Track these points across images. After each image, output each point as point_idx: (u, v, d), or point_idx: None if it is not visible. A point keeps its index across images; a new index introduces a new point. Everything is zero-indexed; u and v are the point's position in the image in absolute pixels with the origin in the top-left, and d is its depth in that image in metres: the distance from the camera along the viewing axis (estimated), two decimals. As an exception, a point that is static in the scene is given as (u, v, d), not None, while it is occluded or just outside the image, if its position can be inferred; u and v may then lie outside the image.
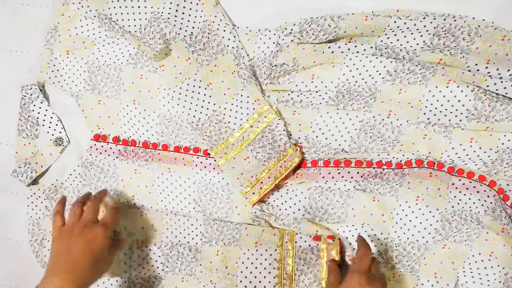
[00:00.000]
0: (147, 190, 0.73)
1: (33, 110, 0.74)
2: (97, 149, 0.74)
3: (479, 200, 0.63)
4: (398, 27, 0.63)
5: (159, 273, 0.72)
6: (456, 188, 0.64)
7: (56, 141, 0.75)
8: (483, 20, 0.64)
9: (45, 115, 0.74)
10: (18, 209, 0.78)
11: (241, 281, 0.67)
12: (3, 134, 0.77)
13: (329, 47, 0.66)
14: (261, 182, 0.67)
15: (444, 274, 0.63)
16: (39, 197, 0.75)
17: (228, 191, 0.70)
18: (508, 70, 0.62)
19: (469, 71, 0.63)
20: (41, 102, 0.74)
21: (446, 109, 0.63)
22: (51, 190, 0.75)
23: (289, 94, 0.69)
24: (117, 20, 0.70)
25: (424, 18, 0.64)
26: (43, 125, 0.74)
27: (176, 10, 0.68)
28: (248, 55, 0.69)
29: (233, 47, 0.69)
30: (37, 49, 0.76)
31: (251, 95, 0.68)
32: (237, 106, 0.69)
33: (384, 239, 0.66)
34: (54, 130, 0.75)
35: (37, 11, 0.76)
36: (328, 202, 0.67)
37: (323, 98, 0.67)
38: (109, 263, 0.65)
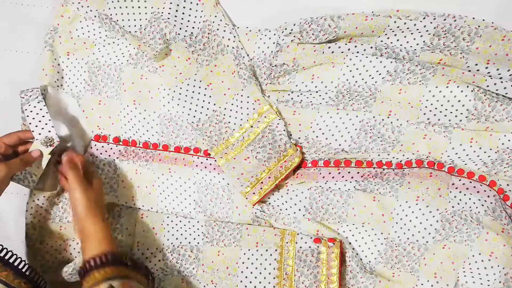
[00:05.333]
0: (147, 190, 0.73)
1: (26, 109, 0.70)
2: (97, 149, 0.74)
3: (479, 200, 0.63)
4: (398, 27, 0.63)
5: (158, 275, 0.72)
6: (456, 188, 0.64)
7: (44, 141, 0.69)
8: (483, 20, 0.64)
9: (37, 114, 0.70)
10: (18, 209, 0.78)
11: (241, 281, 0.67)
12: (3, 134, 0.77)
13: (329, 47, 0.66)
14: (261, 182, 0.67)
15: (444, 274, 0.63)
16: (38, 199, 0.74)
17: (229, 191, 0.70)
18: (508, 70, 0.62)
19: (469, 71, 0.63)
20: (38, 102, 0.70)
21: (446, 109, 0.63)
22: (52, 193, 0.74)
23: (289, 94, 0.69)
24: (117, 20, 0.70)
25: (424, 18, 0.64)
26: (30, 123, 0.69)
27: (176, 10, 0.68)
28: (248, 55, 0.69)
29: (233, 47, 0.69)
30: (37, 49, 0.76)
31: (251, 95, 0.68)
32: (237, 106, 0.69)
33: (384, 239, 0.66)
34: (42, 129, 0.69)
35: (37, 11, 0.76)
36: (329, 202, 0.68)
37: (323, 98, 0.67)
38: None
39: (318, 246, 0.66)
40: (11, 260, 0.66)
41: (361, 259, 0.67)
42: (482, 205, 0.63)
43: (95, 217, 0.64)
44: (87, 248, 0.63)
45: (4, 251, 0.66)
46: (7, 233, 0.79)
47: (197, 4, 0.69)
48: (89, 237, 0.63)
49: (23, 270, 0.67)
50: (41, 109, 0.70)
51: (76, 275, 0.72)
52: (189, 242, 0.71)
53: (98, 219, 0.64)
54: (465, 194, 0.64)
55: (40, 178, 0.72)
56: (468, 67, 0.63)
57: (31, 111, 0.70)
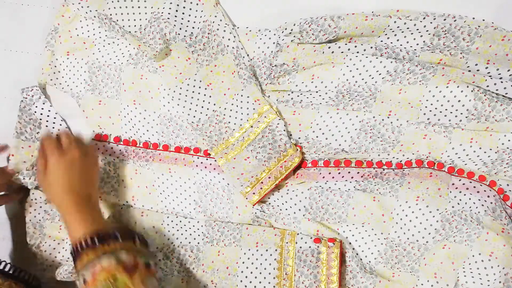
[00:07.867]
0: (147, 190, 0.73)
1: (35, 112, 0.73)
2: (98, 148, 0.74)
3: (479, 200, 0.63)
4: (398, 27, 0.63)
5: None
6: (456, 188, 0.64)
7: None
8: (483, 20, 0.64)
9: (48, 116, 0.73)
10: (18, 210, 0.78)
11: (241, 281, 0.67)
12: (3, 134, 0.77)
13: (329, 47, 0.66)
14: (262, 182, 0.67)
15: (444, 274, 0.63)
16: (40, 202, 0.74)
17: (229, 191, 0.70)
18: (508, 70, 0.62)
19: (469, 71, 0.63)
20: (43, 103, 0.73)
21: (446, 109, 0.63)
22: None
23: (289, 94, 0.69)
24: (117, 20, 0.70)
25: (424, 18, 0.64)
26: (46, 126, 0.73)
27: (176, 10, 0.68)
28: (248, 55, 0.69)
29: (233, 47, 0.69)
30: (37, 49, 0.76)
31: (251, 95, 0.68)
32: (237, 106, 0.69)
33: (384, 239, 0.66)
34: (58, 130, 0.73)
35: (37, 11, 0.76)
36: (329, 202, 0.68)
37: (323, 98, 0.67)
38: None
39: (318, 246, 0.66)
40: None
41: (361, 259, 0.67)
42: (482, 205, 0.63)
43: (72, 195, 0.58)
44: (70, 229, 0.58)
45: None
46: (7, 233, 0.79)
47: (197, 4, 0.69)
48: (68, 219, 0.58)
49: (10, 272, 0.67)
50: (49, 111, 0.73)
51: (75, 273, 0.72)
52: (189, 242, 0.71)
53: (75, 198, 0.58)
54: (465, 194, 0.64)
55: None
56: (468, 67, 0.63)
57: (41, 114, 0.72)
